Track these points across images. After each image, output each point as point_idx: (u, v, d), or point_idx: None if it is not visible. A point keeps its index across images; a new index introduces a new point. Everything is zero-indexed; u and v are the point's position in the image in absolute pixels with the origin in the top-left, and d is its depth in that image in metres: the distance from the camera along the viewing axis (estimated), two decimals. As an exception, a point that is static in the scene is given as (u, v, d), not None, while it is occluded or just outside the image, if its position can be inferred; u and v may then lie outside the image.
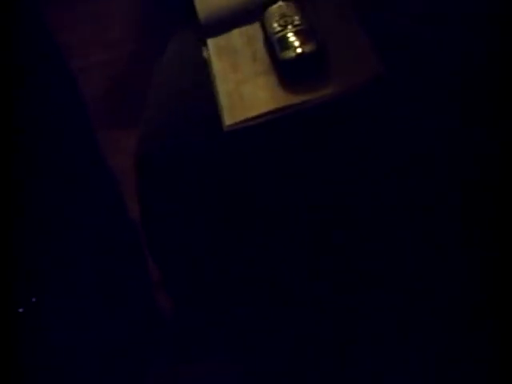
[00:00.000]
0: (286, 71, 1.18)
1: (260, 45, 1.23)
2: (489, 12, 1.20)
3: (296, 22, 1.20)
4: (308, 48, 1.16)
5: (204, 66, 1.26)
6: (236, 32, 1.27)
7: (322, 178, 1.18)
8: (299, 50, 1.16)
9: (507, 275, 1.16)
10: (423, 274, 1.21)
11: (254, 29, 1.26)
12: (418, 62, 1.18)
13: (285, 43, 1.18)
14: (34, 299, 1.33)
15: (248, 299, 1.29)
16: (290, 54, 1.16)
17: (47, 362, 1.35)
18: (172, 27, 1.44)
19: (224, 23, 1.28)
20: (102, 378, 1.44)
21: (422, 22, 1.24)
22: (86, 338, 1.41)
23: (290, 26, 1.20)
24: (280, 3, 1.25)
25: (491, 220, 1.16)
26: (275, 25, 1.21)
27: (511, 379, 1.14)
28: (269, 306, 1.28)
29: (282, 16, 1.22)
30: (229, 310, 1.32)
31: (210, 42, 1.26)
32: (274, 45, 1.19)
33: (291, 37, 1.18)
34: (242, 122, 1.15)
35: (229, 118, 1.15)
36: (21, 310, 1.33)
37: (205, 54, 1.27)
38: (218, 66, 1.23)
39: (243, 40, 1.26)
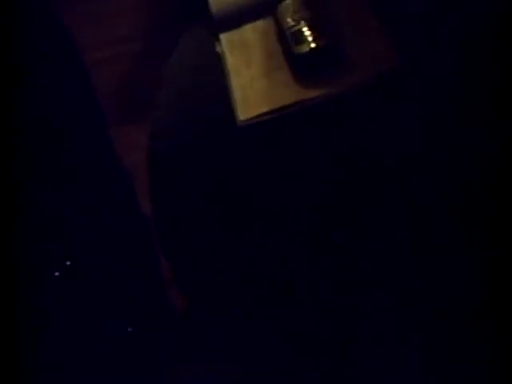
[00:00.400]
0: (300, 66, 1.17)
1: (273, 39, 1.23)
2: (489, 12, 1.20)
3: (309, 16, 1.20)
4: (322, 42, 1.16)
5: (217, 61, 1.25)
6: (249, 27, 1.26)
7: (335, 173, 1.17)
8: (313, 45, 1.16)
9: (507, 275, 1.15)
10: (423, 274, 1.20)
11: (268, 23, 1.25)
12: (417, 62, 1.18)
13: (298, 38, 1.17)
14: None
15: (249, 298, 1.29)
16: (304, 49, 1.16)
17: (48, 358, 1.36)
18: (182, 23, 1.44)
19: (237, 18, 1.28)
20: (103, 377, 1.45)
21: (422, 21, 1.24)
22: (89, 337, 1.41)
23: (303, 21, 1.19)
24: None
25: (491, 220, 1.16)
26: (289, 19, 1.21)
27: (511, 379, 1.13)
28: (268, 305, 1.28)
29: (296, 10, 1.21)
30: (229, 309, 1.33)
31: (223, 36, 1.26)
32: (288, 39, 1.19)
33: (305, 31, 1.17)
34: (255, 116, 1.15)
35: (243, 113, 1.15)
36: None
37: (218, 49, 1.27)
38: (232, 61, 1.22)
39: (256, 35, 1.25)
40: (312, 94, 1.14)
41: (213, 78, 1.25)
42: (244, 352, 1.43)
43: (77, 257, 1.38)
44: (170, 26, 1.78)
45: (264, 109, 1.15)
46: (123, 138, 1.77)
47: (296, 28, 1.18)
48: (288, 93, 1.15)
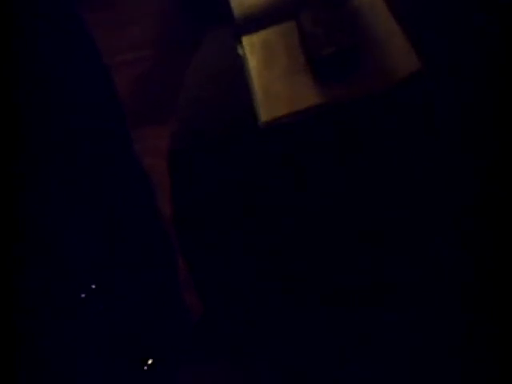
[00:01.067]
0: (322, 69, 1.17)
1: (295, 42, 1.23)
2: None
3: (331, 20, 1.20)
4: (344, 45, 1.16)
5: (239, 63, 1.25)
6: (271, 30, 1.27)
7: (351, 175, 1.18)
8: (335, 47, 1.16)
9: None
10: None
11: (289, 27, 1.25)
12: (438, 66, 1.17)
13: (320, 41, 1.17)
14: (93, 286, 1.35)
15: (266, 300, 1.30)
16: (326, 51, 1.16)
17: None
18: (198, 27, 1.44)
19: (259, 21, 1.28)
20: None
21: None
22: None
23: (325, 24, 1.20)
24: (314, 0, 1.24)
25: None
26: (311, 22, 1.21)
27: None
28: (284, 308, 1.29)
29: (318, 14, 1.22)
30: (245, 310, 1.33)
31: (246, 39, 1.26)
32: (310, 42, 1.19)
33: (327, 34, 1.18)
34: (277, 118, 1.15)
35: (265, 115, 1.15)
36: (83, 296, 1.34)
37: (240, 51, 1.27)
38: (253, 64, 1.23)
39: (278, 38, 1.26)
40: (333, 96, 1.14)
41: (235, 79, 1.25)
42: (245, 356, 1.43)
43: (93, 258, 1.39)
44: (184, 31, 1.80)
45: (285, 111, 1.15)
46: (139, 142, 1.78)
47: (318, 31, 1.18)
48: (309, 95, 1.15)
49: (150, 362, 1.46)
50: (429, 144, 1.15)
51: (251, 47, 1.25)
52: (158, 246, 1.53)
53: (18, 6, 1.17)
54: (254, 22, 1.28)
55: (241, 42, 1.27)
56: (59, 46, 1.19)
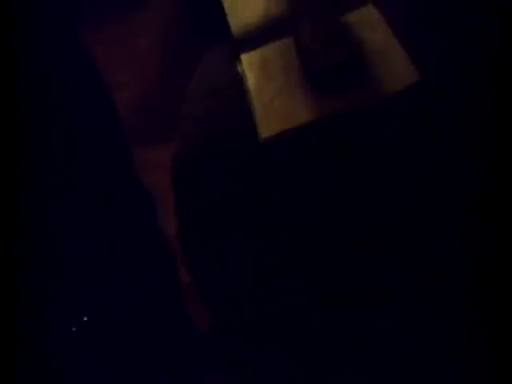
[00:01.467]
0: (320, 82, 1.20)
1: (293, 58, 1.25)
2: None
3: (329, 34, 1.22)
4: (341, 59, 1.18)
5: (239, 80, 1.28)
6: (269, 47, 1.29)
7: (350, 188, 1.19)
8: (332, 62, 1.18)
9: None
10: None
11: (287, 43, 1.27)
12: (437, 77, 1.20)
13: (318, 55, 1.19)
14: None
15: (273, 310, 1.31)
16: (323, 66, 1.18)
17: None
18: (200, 43, 1.45)
19: (257, 38, 1.30)
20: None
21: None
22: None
23: (322, 38, 1.21)
24: (312, 16, 1.26)
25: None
26: (308, 37, 1.23)
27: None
28: (268, 317, 1.31)
29: (315, 29, 1.23)
30: (253, 321, 1.34)
31: (244, 57, 1.29)
32: (307, 57, 1.21)
33: (324, 48, 1.19)
34: (276, 134, 1.17)
35: (264, 131, 1.18)
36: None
37: (239, 68, 1.30)
38: (252, 80, 1.25)
39: (276, 54, 1.28)
40: (331, 109, 1.16)
41: (235, 96, 1.27)
42: (242, 367, 1.44)
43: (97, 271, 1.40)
44: (185, 48, 1.80)
45: (284, 126, 1.17)
46: (142, 158, 1.79)
47: (315, 46, 1.20)
48: (307, 110, 1.18)
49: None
50: (428, 146, 1.17)
51: (250, 65, 1.28)
52: (157, 250, 1.54)
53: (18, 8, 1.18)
54: (252, 40, 1.30)
55: (240, 60, 1.30)
56: (59, 49, 1.19)
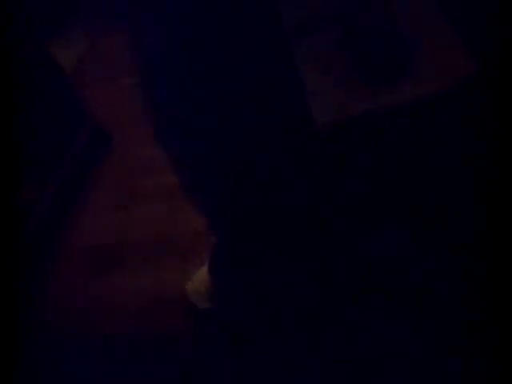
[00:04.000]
0: (374, 74, 1.18)
1: (346, 51, 1.22)
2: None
3: (383, 26, 1.20)
4: (395, 50, 1.17)
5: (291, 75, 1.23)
6: (322, 39, 1.25)
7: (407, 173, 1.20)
8: (387, 53, 1.16)
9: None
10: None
11: (340, 36, 1.24)
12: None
13: (372, 47, 1.18)
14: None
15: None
16: (379, 57, 1.17)
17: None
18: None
19: (310, 29, 1.27)
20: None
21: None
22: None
23: (376, 29, 1.20)
24: (365, 9, 1.23)
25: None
26: (361, 28, 1.21)
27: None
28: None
29: (369, 20, 1.21)
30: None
31: (298, 49, 1.24)
32: (361, 49, 1.20)
33: (379, 39, 1.18)
34: (331, 123, 1.15)
35: (320, 119, 1.15)
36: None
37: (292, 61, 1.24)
38: (307, 73, 1.21)
39: (330, 47, 1.24)
40: (385, 101, 1.14)
41: (288, 90, 1.22)
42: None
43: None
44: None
45: (342, 115, 1.15)
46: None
47: (369, 37, 1.19)
48: (364, 99, 1.15)
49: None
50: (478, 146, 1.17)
51: (303, 57, 1.24)
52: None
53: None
54: (305, 31, 1.27)
55: (293, 54, 1.25)
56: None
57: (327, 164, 1.20)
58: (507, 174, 1.15)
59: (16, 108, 1.37)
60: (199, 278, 1.51)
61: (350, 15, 1.24)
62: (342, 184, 1.21)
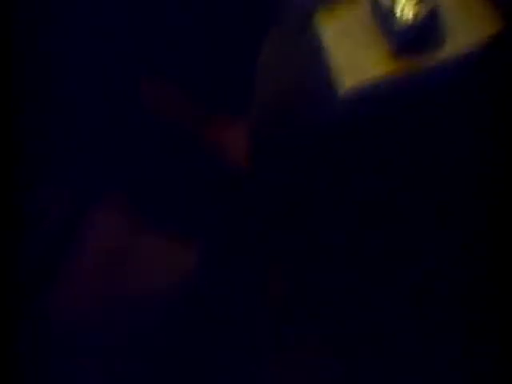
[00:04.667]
0: (399, 39, 1.17)
1: (369, 15, 1.22)
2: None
3: None
4: (420, 15, 1.15)
5: (312, 41, 1.25)
6: (345, 4, 1.25)
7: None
8: (411, 19, 1.15)
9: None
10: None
11: (363, 2, 1.24)
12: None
13: (396, 11, 1.16)
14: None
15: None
16: (402, 22, 1.15)
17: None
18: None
19: None
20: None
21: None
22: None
23: None
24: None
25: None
26: None
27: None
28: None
29: None
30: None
31: (320, 13, 1.24)
32: (385, 13, 1.19)
33: (402, 5, 1.16)
34: (356, 87, 1.16)
35: (343, 84, 1.17)
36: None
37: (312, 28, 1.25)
38: (329, 35, 1.22)
39: (352, 10, 1.24)
40: (409, 66, 1.15)
41: (309, 55, 1.25)
42: None
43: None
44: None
45: (364, 80, 1.16)
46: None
47: (393, 2, 1.17)
48: (388, 65, 1.16)
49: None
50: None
51: (325, 20, 1.24)
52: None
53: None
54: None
55: (315, 17, 1.25)
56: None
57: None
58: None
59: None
60: None
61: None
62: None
